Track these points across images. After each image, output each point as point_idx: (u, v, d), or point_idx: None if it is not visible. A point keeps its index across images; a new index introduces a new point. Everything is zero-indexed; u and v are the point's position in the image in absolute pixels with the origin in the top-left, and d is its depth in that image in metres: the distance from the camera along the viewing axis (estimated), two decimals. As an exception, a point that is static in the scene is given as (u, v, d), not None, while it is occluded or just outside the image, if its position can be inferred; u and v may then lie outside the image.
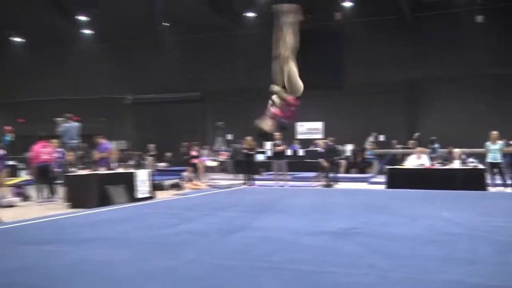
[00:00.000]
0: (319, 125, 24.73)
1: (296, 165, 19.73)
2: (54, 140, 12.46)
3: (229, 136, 24.96)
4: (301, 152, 22.24)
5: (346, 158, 21.51)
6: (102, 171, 11.78)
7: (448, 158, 15.64)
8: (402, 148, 20.45)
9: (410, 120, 22.99)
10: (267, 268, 4.44)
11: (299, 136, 24.64)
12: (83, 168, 12.45)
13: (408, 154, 16.82)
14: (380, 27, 23.34)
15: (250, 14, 24.82)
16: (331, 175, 15.66)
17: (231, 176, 20.33)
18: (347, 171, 20.68)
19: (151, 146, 23.56)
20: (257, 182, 15.97)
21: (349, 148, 22.34)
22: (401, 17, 23.01)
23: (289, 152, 20.47)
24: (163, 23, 25.17)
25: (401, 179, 13.99)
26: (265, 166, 19.81)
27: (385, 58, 23.20)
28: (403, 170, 14.61)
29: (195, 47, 26.31)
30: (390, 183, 14.19)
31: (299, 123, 25.01)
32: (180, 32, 25.79)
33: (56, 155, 12.10)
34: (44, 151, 11.65)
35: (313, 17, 23.09)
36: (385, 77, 22.97)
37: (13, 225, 7.46)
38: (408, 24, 23.01)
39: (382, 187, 14.52)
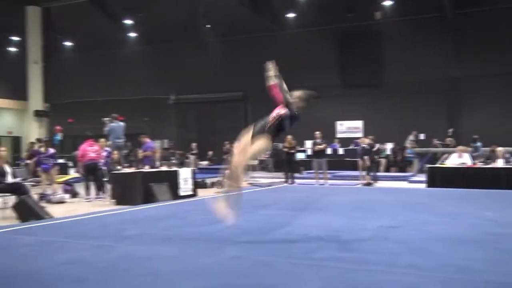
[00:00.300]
0: (359, 123, 24.50)
1: (336, 163, 19.69)
2: (102, 139, 12.82)
3: (270, 135, 25.03)
4: (341, 151, 22.12)
5: (386, 156, 21.27)
6: (146, 169, 12.05)
7: (491, 157, 15.25)
8: (441, 144, 20.08)
9: (451, 118, 22.49)
10: (308, 266, 4.49)
11: (339, 135, 24.48)
12: (128, 167, 12.76)
13: (449, 153, 16.52)
14: (421, 25, 22.93)
15: (291, 15, 24.83)
16: (371, 174, 15.53)
17: (271, 174, 20.41)
18: (387, 170, 20.44)
19: (193, 145, 23.90)
20: (297, 181, 15.99)
21: (389, 146, 22.08)
22: (442, 15, 22.53)
23: (329, 151, 20.40)
24: (205, 25, 25.46)
25: (442, 178, 13.76)
26: (305, 165, 19.81)
27: (426, 56, 22.77)
28: (444, 169, 14.36)
29: (236, 48, 26.50)
30: (430, 182, 13.98)
31: (338, 122, 24.85)
32: (222, 33, 26.05)
33: (103, 153, 12.44)
34: (91, 149, 12.00)
35: (354, 16, 22.95)
36: (426, 75, 22.55)
37: (63, 220, 7.77)
38: (449, 21, 22.51)
39: (423, 186, 14.32)
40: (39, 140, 18.18)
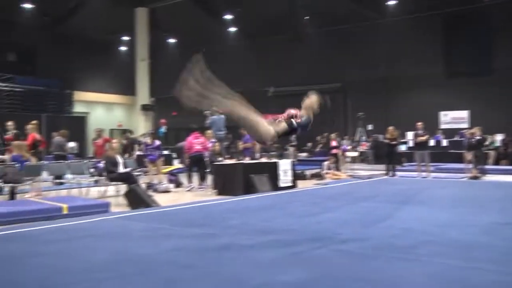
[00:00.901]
0: (464, 114, 23.27)
1: (440, 155, 18.90)
2: (209, 131, 13.21)
3: (370, 126, 24.54)
4: (444, 143, 21.17)
5: (496, 148, 20.02)
6: (247, 160, 12.27)
7: None
8: None
9: None
10: (413, 260, 4.38)
11: (443, 126, 23.40)
12: (229, 158, 13.08)
13: None
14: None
15: (392, 2, 24.03)
16: (478, 167, 14.72)
17: (371, 166, 20.01)
18: (496, 163, 19.23)
19: (292, 136, 23.94)
20: (398, 173, 15.54)
21: (498, 138, 20.75)
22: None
23: (432, 143, 19.62)
24: (304, 17, 25.37)
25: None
26: (407, 157, 19.21)
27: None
28: None
29: (335, 38, 26.15)
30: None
31: (442, 112, 23.75)
32: (321, 24, 25.84)
33: (209, 145, 12.81)
34: (197, 142, 12.41)
35: (458, 0, 21.78)
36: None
37: (168, 208, 8.13)
38: None
39: (539, 180, 13.37)
40: (142, 135, 19.07)
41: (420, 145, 14.98)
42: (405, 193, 10.06)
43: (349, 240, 5.30)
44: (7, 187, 9.41)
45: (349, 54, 25.47)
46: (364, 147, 22.64)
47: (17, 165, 9.53)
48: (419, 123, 15.14)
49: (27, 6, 24.65)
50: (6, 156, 10.91)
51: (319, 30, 26.24)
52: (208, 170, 12.42)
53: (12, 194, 9.46)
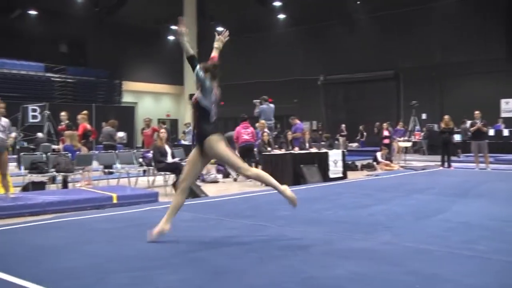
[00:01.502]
0: (528, 102, 22.22)
1: (500, 146, 18.05)
2: (262, 121, 13.09)
3: (424, 115, 23.82)
4: (506, 132, 20.26)
5: None
6: (296, 151, 12.10)
7: None
8: None
9: None
10: (471, 257, 4.15)
11: (504, 115, 22.36)
12: (278, 148, 12.93)
13: None
14: None
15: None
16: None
17: (425, 157, 19.43)
18: None
19: (343, 126, 23.61)
20: (454, 164, 14.97)
21: None
22: None
23: (491, 132, 18.83)
24: (356, 1, 24.74)
25: None
26: (463, 147, 18.51)
27: None
28: None
29: (388, 24, 25.37)
30: None
31: (503, 100, 22.71)
32: (373, 8, 25.17)
33: (259, 135, 12.69)
34: (245, 132, 12.31)
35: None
36: None
37: (216, 199, 8.11)
38: None
39: None
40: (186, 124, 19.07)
41: (478, 135, 14.29)
42: (462, 186, 9.66)
43: (402, 234, 5.12)
44: (59, 176, 9.61)
45: (403, 40, 24.69)
46: (417, 137, 21.99)
47: (68, 154, 9.71)
48: (477, 112, 14.45)
49: (79, -2, 25.25)
50: (59, 146, 11.15)
51: (371, 15, 25.56)
52: (257, 160, 12.32)
53: (65, 183, 9.66)
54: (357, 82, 26.59)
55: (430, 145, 20.84)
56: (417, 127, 22.37)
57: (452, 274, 3.67)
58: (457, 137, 19.10)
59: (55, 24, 25.66)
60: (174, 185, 8.90)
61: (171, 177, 9.98)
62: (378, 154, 15.54)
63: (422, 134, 22.00)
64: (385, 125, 17.07)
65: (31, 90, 24.05)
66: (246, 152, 12.25)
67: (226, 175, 12.65)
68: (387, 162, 15.36)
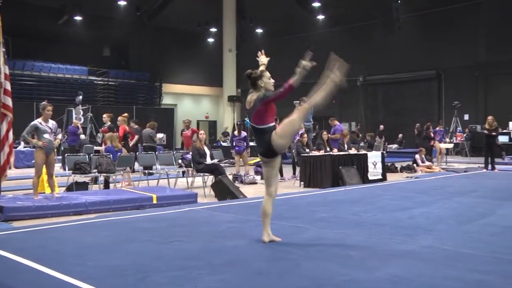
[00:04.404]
0: None
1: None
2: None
3: (466, 116, 23.25)
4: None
5: None
6: (335, 152, 12.02)
7: None
8: None
9: None
10: (516, 263, 4.04)
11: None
12: (316, 149, 12.86)
13: None
14: None
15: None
16: None
17: (468, 159, 18.98)
18: None
19: (381, 127, 23.32)
20: (498, 166, 14.55)
21: None
22: None
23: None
24: (396, 1, 24.32)
25: None
26: (509, 149, 17.99)
27: None
28: None
29: (430, 23, 24.78)
30: None
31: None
32: (414, 8, 24.70)
33: (296, 137, 12.60)
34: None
35: None
36: None
37: (254, 200, 8.08)
38: None
39: None
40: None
41: None
42: (507, 189, 9.40)
43: (444, 237, 5.03)
44: (101, 177, 9.83)
45: (444, 39, 24.08)
46: (459, 138, 21.49)
47: (110, 156, 9.91)
48: None
49: (122, 2, 25.72)
50: (101, 148, 11.40)
51: (411, 14, 25.06)
52: (295, 161, 12.26)
53: (106, 184, 9.87)
54: (397, 82, 26.19)
55: (473, 147, 20.36)
56: (459, 128, 21.86)
57: (496, 280, 3.58)
58: (502, 138, 18.58)
59: (99, 29, 26.24)
60: (213, 186, 8.97)
61: (210, 178, 10.07)
62: (417, 156, 15.24)
63: (464, 135, 21.50)
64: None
65: (75, 93, 24.69)
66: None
67: (265, 177, 12.65)
68: (429, 164, 15.08)
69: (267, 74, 4.85)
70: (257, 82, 4.76)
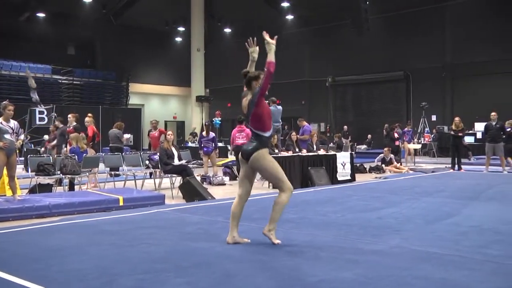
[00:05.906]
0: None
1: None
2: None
3: (434, 117, 23.63)
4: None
5: None
6: (304, 153, 12.02)
7: None
8: None
9: None
10: (483, 262, 4.09)
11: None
12: (285, 150, 12.84)
13: None
14: None
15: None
16: None
17: (435, 159, 19.28)
18: None
19: (346, 128, 23.51)
20: (464, 167, 14.80)
21: None
22: None
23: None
24: (365, 2, 24.51)
25: None
26: (474, 150, 18.30)
27: None
28: None
29: (397, 24, 25.09)
30: None
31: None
32: (382, 9, 24.94)
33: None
34: (240, 135, 12.03)
35: None
36: None
37: (223, 202, 8.01)
38: None
39: None
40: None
41: (493, 137, 13.79)
42: (474, 189, 9.53)
43: (411, 237, 5.06)
44: (66, 179, 9.59)
45: (412, 41, 24.42)
46: (427, 139, 21.82)
47: (75, 157, 9.67)
48: (493, 113, 13.91)
49: (87, 0, 25.24)
50: (65, 148, 11.11)
51: (380, 16, 25.32)
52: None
53: (71, 185, 9.64)
54: (366, 83, 26.46)
55: (440, 147, 20.70)
56: (427, 129, 22.21)
57: (463, 279, 3.61)
58: (468, 139, 18.91)
59: (63, 27, 25.75)
60: (181, 187, 8.85)
61: (178, 179, 9.94)
62: (384, 156, 15.30)
63: (432, 136, 21.84)
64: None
65: (38, 92, 24.09)
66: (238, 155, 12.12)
67: (233, 177, 12.59)
68: (396, 164, 15.24)
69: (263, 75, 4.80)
70: (252, 83, 4.73)
